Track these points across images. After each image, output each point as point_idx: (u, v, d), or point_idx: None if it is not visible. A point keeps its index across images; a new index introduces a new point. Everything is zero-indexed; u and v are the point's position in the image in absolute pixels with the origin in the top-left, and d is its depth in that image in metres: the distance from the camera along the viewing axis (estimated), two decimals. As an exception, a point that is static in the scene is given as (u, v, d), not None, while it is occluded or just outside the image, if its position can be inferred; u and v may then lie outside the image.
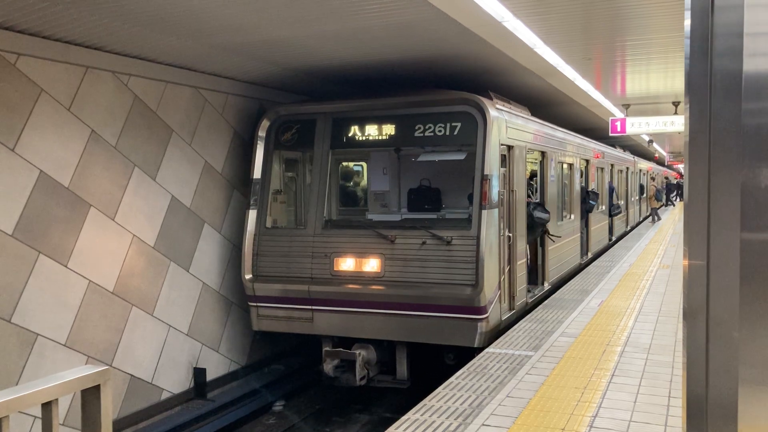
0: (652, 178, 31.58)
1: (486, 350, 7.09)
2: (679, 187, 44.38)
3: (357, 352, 8.64)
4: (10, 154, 6.72)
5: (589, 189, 15.45)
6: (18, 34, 6.72)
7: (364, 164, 12.30)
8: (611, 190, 19.02)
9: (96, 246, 7.72)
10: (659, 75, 12.02)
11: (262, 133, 9.70)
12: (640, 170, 29.46)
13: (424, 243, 8.53)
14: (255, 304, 9.39)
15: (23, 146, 6.85)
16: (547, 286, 11.26)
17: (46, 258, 7.10)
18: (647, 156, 40.26)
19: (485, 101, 8.66)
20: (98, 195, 7.75)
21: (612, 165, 19.93)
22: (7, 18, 6.35)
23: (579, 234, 14.52)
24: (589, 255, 15.51)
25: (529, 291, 10.34)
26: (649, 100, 15.31)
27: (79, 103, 7.49)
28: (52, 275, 7.18)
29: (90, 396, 2.44)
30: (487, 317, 8.21)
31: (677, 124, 15.90)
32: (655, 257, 14.79)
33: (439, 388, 5.81)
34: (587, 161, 15.61)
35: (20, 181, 6.83)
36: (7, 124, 6.69)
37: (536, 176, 11.92)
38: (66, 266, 7.34)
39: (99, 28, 6.90)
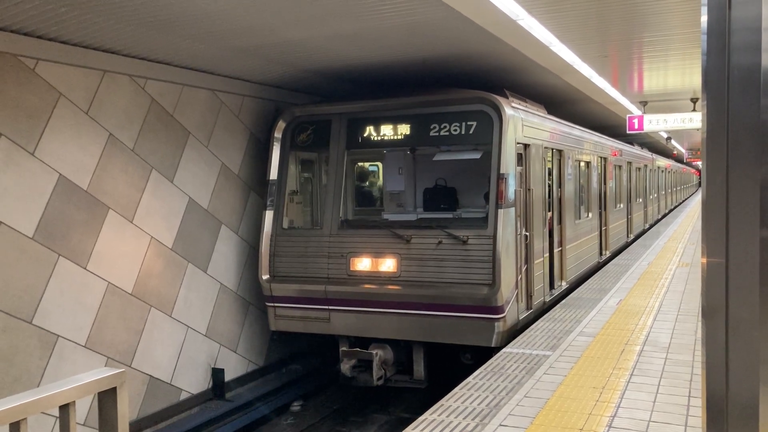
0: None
1: (503, 350, 7.05)
2: None
3: (374, 352, 8.64)
4: (30, 158, 6.80)
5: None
6: (37, 40, 6.80)
7: (380, 164, 12.30)
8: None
9: (115, 248, 7.79)
10: (677, 71, 11.89)
11: (278, 135, 9.74)
12: (658, 167, 29.28)
13: (440, 242, 8.51)
14: (272, 304, 9.43)
15: (43, 150, 6.93)
16: (564, 285, 11.18)
17: (66, 260, 7.18)
18: (666, 153, 39.88)
19: (501, 100, 8.61)
20: (116, 197, 7.82)
21: (630, 162, 19.78)
22: (25, 24, 6.43)
23: (597, 232, 14.41)
24: (607, 253, 15.39)
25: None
26: (667, 96, 15.15)
27: (97, 106, 7.56)
28: (72, 277, 7.26)
29: (106, 398, 2.45)
30: (504, 317, 8.18)
31: (695, 120, 15.72)
32: (674, 255, 14.63)
33: (457, 388, 5.78)
34: (605, 159, 15.49)
35: (40, 184, 6.92)
36: (27, 128, 6.77)
37: (552, 174, 11.84)
38: (85, 268, 7.41)
39: (116, 32, 6.97)
